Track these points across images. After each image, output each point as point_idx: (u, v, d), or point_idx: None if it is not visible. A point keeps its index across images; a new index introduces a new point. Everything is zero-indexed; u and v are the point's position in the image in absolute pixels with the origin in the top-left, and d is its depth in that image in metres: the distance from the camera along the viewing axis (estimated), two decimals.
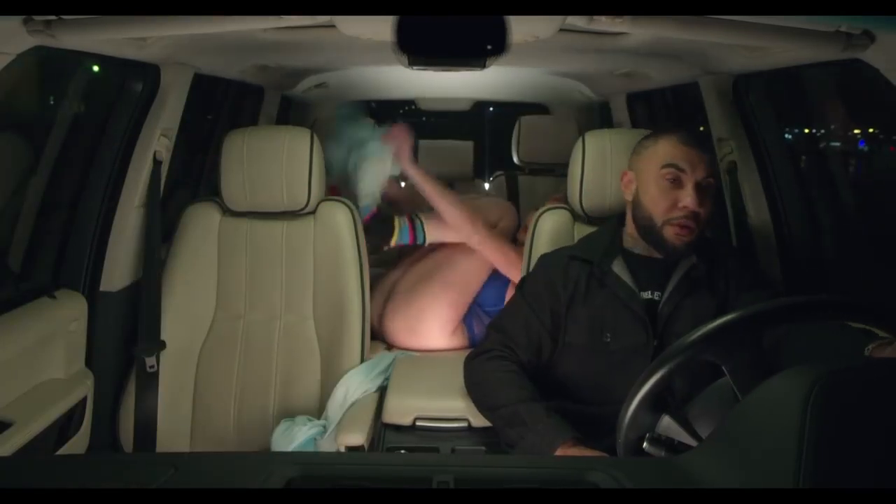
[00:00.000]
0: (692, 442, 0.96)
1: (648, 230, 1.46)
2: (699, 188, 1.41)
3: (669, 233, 1.42)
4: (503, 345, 1.49)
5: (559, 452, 1.27)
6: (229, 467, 0.78)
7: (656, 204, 1.43)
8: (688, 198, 1.40)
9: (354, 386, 1.70)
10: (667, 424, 0.98)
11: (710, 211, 1.44)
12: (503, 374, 1.44)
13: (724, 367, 0.94)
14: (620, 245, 1.51)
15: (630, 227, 1.51)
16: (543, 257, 1.60)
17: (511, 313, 1.55)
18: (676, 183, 1.42)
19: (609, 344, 1.42)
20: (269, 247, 1.82)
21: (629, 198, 1.52)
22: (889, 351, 0.99)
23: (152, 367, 1.72)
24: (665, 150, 1.45)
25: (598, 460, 1.04)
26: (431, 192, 2.07)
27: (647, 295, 1.45)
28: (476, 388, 1.50)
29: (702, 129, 2.03)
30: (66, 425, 1.57)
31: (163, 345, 1.74)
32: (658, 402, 0.98)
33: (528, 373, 1.47)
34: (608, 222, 1.59)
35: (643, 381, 0.97)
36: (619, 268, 1.47)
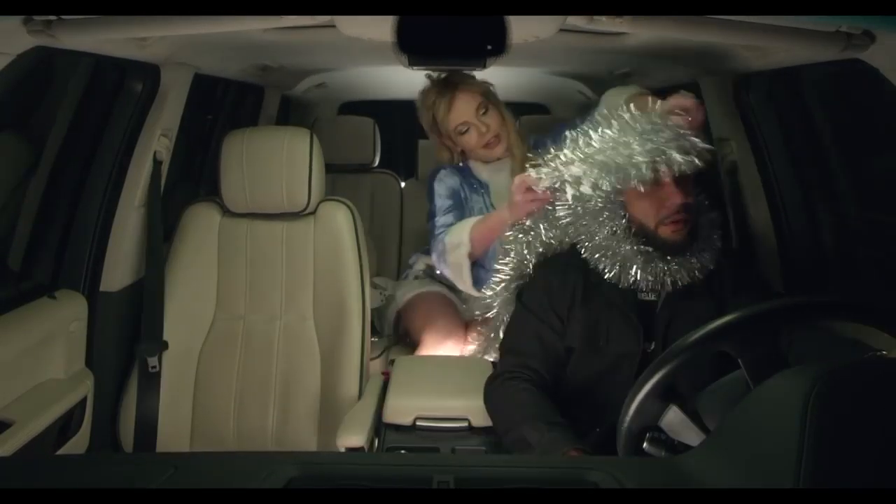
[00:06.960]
0: (696, 436, 0.96)
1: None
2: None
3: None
4: (516, 365, 1.46)
5: None
6: (229, 467, 0.78)
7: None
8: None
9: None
10: (673, 415, 0.98)
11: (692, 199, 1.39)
12: (514, 395, 1.41)
13: (739, 360, 0.94)
14: None
15: None
16: (540, 266, 1.56)
17: (518, 329, 1.52)
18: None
19: (603, 348, 1.41)
20: (269, 247, 1.82)
21: None
22: None
23: (154, 367, 1.72)
24: None
25: (599, 460, 1.04)
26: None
27: (645, 297, 1.43)
28: (493, 416, 1.48)
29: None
30: (66, 425, 1.57)
31: (165, 345, 1.74)
32: (667, 392, 0.98)
33: (550, 384, 1.44)
34: None
35: (655, 369, 0.97)
36: None
